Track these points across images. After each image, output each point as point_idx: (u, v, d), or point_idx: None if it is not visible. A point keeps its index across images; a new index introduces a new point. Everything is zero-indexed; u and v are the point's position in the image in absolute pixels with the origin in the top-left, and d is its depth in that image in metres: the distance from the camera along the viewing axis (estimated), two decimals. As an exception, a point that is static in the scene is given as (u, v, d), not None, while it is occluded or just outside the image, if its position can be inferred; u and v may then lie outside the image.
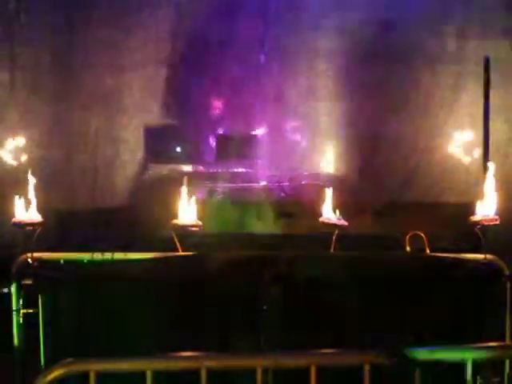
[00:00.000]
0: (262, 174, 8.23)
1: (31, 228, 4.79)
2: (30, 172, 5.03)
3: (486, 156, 7.08)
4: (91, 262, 4.80)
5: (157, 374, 2.66)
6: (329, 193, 5.17)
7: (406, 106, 8.24)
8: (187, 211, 4.98)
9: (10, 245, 6.15)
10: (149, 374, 2.61)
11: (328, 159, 8.26)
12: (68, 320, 4.17)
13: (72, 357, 2.68)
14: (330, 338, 4.05)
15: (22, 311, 4.67)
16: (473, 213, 4.92)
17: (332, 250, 4.95)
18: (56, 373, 2.59)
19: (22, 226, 4.79)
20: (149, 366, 2.61)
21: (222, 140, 8.74)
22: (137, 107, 8.48)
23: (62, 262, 4.88)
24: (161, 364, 2.63)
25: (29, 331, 4.66)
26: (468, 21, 8.09)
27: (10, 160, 7.83)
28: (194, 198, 5.06)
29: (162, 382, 2.71)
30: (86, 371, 2.63)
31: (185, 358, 2.68)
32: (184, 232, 4.98)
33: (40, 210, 4.94)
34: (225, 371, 2.80)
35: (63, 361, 2.64)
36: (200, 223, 5.02)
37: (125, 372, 2.66)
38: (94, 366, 2.62)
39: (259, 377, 2.72)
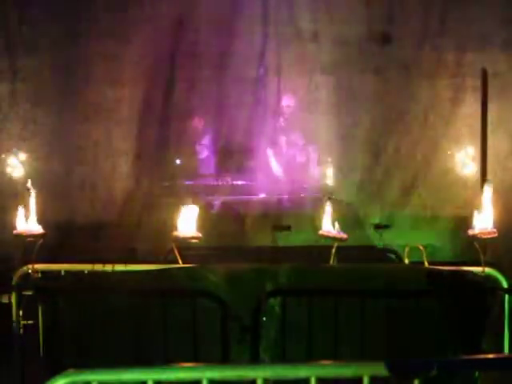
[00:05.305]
0: (261, 187, 8.25)
1: (32, 239, 4.80)
2: (29, 184, 5.04)
3: (484, 169, 7.11)
4: (92, 274, 4.81)
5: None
6: (328, 205, 5.18)
7: (405, 119, 8.28)
8: (187, 223, 5.00)
9: (10, 256, 6.17)
10: (150, 385, 2.62)
11: (327, 172, 8.29)
12: (68, 331, 4.18)
13: (72, 367, 2.69)
14: (329, 350, 4.06)
15: (22, 322, 4.68)
16: (471, 226, 4.93)
17: (331, 263, 4.96)
18: (58, 383, 2.60)
19: (23, 237, 4.80)
20: (150, 376, 2.62)
21: (222, 153, 8.77)
22: (136, 120, 8.50)
23: (62, 273, 4.89)
24: (162, 374, 2.64)
25: (28, 342, 4.67)
26: (467, 35, 8.14)
27: (10, 172, 7.84)
28: (193, 210, 5.07)
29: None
30: (88, 381, 2.64)
31: (186, 369, 2.69)
32: (184, 244, 4.99)
33: (40, 221, 4.95)
34: (226, 382, 2.81)
35: (65, 371, 2.65)
36: (200, 235, 5.03)
37: (126, 382, 2.67)
38: (96, 377, 2.63)
39: (260, 388, 2.73)
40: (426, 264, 5.10)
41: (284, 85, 8.66)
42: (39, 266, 4.78)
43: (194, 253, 5.31)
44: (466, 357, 2.96)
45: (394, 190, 8.11)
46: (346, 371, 2.83)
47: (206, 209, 7.80)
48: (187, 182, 8.27)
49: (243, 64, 8.52)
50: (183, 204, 5.08)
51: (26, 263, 4.81)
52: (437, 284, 4.34)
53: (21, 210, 4.88)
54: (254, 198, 8.13)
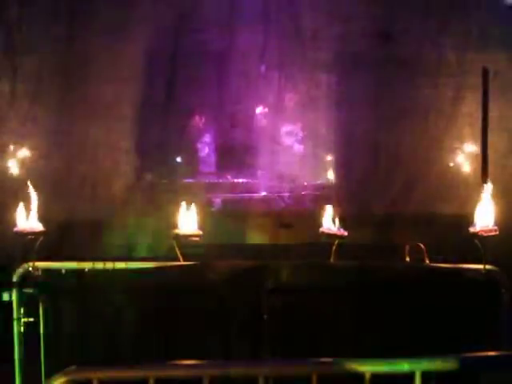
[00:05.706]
0: (262, 184, 8.26)
1: (33, 237, 4.79)
2: (30, 181, 5.03)
3: (484, 167, 7.10)
4: (92, 271, 4.81)
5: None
6: (329, 203, 5.18)
7: (406, 117, 8.28)
8: (188, 221, 4.99)
9: (10, 253, 6.17)
10: (151, 383, 2.62)
11: (328, 170, 8.30)
12: (69, 328, 4.18)
13: (73, 365, 2.69)
14: (330, 347, 4.06)
15: (22, 320, 4.67)
16: (472, 223, 4.91)
17: (332, 260, 4.96)
18: (59, 381, 2.60)
19: (23, 234, 4.79)
20: (151, 373, 2.63)
21: (223, 150, 8.78)
22: (136, 117, 8.50)
23: (63, 270, 4.88)
24: (163, 372, 2.64)
25: (30, 340, 4.66)
26: (467, 33, 8.13)
27: (10, 169, 7.84)
28: (194, 208, 5.06)
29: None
30: (89, 379, 2.64)
31: (187, 367, 2.69)
32: (185, 242, 4.99)
33: (40, 219, 4.95)
34: (226, 380, 2.81)
35: (66, 369, 2.65)
36: (200, 233, 5.02)
37: (127, 380, 2.68)
38: (97, 374, 2.63)
39: (261, 385, 2.73)
40: (427, 262, 5.10)
41: (285, 82, 8.67)
42: (40, 264, 4.77)
43: (194, 250, 5.31)
44: (466, 355, 2.96)
45: (394, 188, 8.11)
46: (347, 369, 2.83)
47: (206, 206, 7.81)
48: (188, 180, 8.27)
49: (244, 62, 8.52)
50: (184, 202, 5.07)
51: (27, 261, 4.80)
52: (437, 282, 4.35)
53: (21, 208, 4.88)
54: (255, 195, 8.14)
